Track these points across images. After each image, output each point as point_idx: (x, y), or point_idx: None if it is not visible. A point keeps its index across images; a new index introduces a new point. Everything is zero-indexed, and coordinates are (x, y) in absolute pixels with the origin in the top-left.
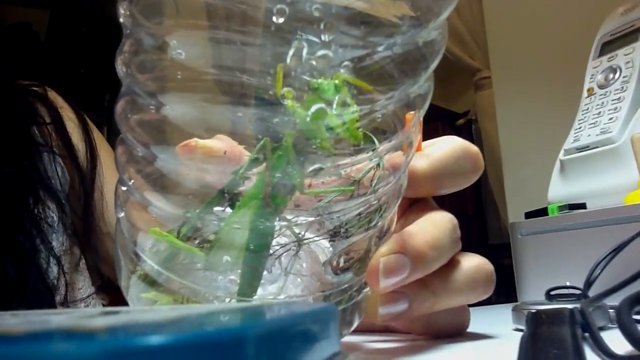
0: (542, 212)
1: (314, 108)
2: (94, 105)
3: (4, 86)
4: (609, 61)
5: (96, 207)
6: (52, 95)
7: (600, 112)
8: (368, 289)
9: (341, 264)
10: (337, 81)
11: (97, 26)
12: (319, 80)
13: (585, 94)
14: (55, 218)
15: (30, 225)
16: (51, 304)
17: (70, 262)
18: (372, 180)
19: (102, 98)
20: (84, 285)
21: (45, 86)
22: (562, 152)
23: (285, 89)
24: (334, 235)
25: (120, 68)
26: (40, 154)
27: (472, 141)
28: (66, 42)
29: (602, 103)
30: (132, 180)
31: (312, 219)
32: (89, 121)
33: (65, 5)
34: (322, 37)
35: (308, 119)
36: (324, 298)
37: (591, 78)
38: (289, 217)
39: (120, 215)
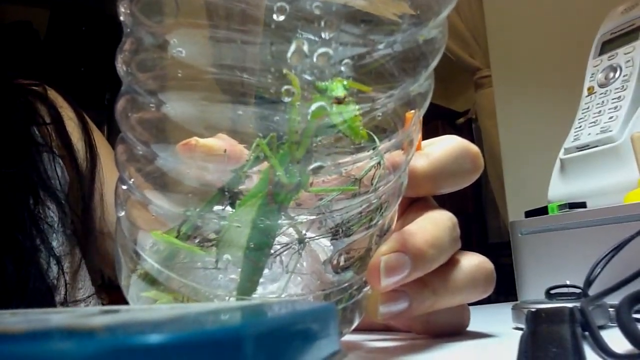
0: (542, 211)
1: (314, 106)
2: (94, 104)
3: (3, 85)
4: (609, 60)
5: (96, 206)
6: (52, 94)
7: (600, 111)
8: (368, 287)
9: (341, 263)
10: (345, 81)
11: (97, 25)
12: (326, 82)
13: (585, 92)
14: (55, 218)
15: (30, 225)
16: (51, 304)
17: (71, 262)
18: (372, 179)
19: (102, 97)
20: (84, 285)
21: (44, 85)
22: (562, 151)
23: (286, 87)
24: (335, 234)
25: (121, 67)
26: (40, 154)
27: (472, 140)
28: (66, 41)
29: (603, 102)
30: (132, 179)
31: (313, 217)
32: (88, 120)
33: (65, 4)
34: (323, 35)
35: (308, 117)
36: (324, 297)
37: (591, 77)
38: (291, 215)
39: (120, 214)
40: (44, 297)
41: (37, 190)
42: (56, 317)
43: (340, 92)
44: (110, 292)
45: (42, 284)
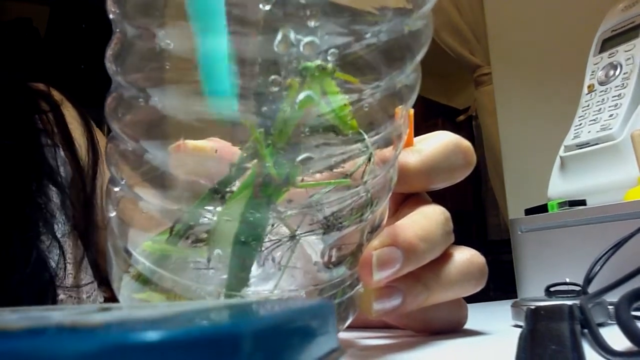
0: (542, 208)
1: (301, 95)
2: (95, 102)
3: (5, 82)
4: (609, 57)
5: (97, 202)
6: (55, 94)
7: (600, 109)
8: (361, 285)
9: (333, 258)
10: (327, 64)
11: (97, 22)
12: (307, 63)
13: (585, 90)
14: (57, 210)
15: (32, 211)
16: (52, 289)
17: (71, 254)
18: (363, 173)
19: (102, 95)
20: (85, 277)
21: (49, 85)
22: (562, 148)
23: (273, 76)
24: (326, 229)
25: (110, 64)
26: (42, 146)
27: (472, 137)
28: (66, 39)
29: (603, 100)
30: (124, 178)
31: (304, 209)
32: (90, 120)
33: (66, 1)
34: (309, 24)
35: (296, 106)
36: (317, 293)
37: (591, 74)
38: (280, 210)
39: (111, 215)
40: (44, 280)
41: (39, 174)
42: (55, 314)
43: (327, 64)
44: (109, 287)
45: (44, 267)
